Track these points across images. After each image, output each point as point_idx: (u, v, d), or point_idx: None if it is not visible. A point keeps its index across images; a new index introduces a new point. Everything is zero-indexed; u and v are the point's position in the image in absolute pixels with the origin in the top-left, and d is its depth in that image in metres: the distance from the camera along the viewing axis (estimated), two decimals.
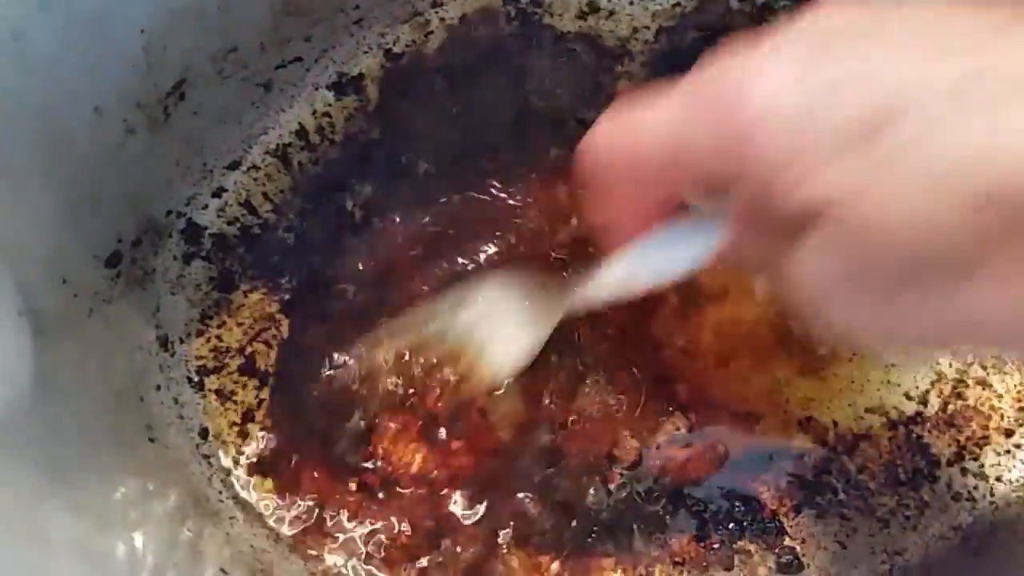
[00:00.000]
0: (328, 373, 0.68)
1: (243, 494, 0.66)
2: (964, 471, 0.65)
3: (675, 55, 0.72)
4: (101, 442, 0.55)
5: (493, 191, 0.70)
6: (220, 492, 0.65)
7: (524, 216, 0.70)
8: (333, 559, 0.65)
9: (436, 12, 0.72)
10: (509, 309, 0.60)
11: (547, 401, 0.67)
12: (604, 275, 0.49)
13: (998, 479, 0.65)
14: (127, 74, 0.56)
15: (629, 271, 0.48)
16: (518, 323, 0.59)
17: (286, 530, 0.65)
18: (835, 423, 0.66)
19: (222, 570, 0.57)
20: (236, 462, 0.67)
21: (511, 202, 0.70)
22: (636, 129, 0.41)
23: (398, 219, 0.70)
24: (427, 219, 0.70)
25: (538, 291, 0.60)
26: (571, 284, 0.55)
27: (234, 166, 0.69)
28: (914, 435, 0.66)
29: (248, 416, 0.67)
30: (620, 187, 0.44)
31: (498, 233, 0.69)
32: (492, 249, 0.69)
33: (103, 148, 0.57)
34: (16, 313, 0.50)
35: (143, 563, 0.50)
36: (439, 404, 0.65)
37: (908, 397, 0.66)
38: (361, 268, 0.70)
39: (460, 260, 0.69)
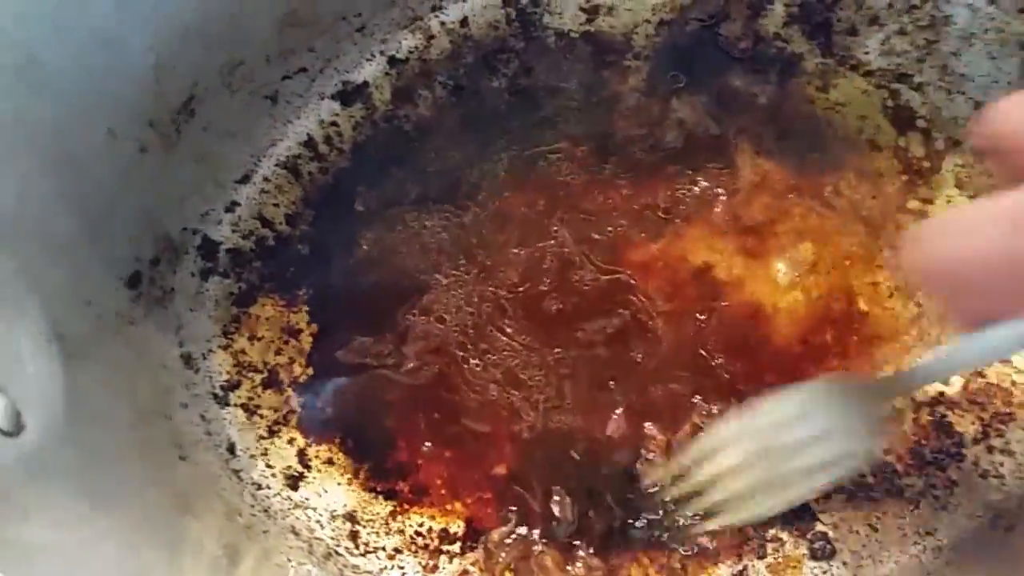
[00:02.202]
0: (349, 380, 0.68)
1: (275, 506, 0.66)
2: (990, 448, 0.65)
3: (677, 48, 0.72)
4: (134, 463, 0.55)
5: (515, 187, 0.70)
6: (252, 506, 0.65)
7: (533, 216, 0.70)
8: (370, 565, 0.65)
9: (436, 16, 0.72)
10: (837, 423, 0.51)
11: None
12: (948, 358, 0.44)
13: None
14: (138, 93, 0.56)
15: (974, 355, 0.43)
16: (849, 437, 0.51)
17: (320, 540, 0.65)
18: None
19: None
20: (266, 475, 0.67)
21: (522, 205, 0.70)
22: None
23: (410, 223, 0.70)
24: (438, 223, 0.70)
25: (852, 395, 0.52)
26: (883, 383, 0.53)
27: (245, 180, 0.69)
28: (938, 415, 0.66)
29: (275, 429, 0.67)
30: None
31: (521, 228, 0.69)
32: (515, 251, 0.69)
33: (117, 169, 0.57)
34: (45, 341, 0.50)
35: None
36: None
37: None
38: (376, 274, 0.70)
39: (477, 259, 0.69)
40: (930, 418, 0.65)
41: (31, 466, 0.44)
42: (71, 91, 0.50)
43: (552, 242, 0.69)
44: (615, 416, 0.67)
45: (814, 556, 0.64)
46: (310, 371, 0.69)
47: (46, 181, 0.50)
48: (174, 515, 0.55)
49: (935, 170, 0.68)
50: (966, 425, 0.65)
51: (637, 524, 0.65)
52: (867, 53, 0.69)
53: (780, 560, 0.64)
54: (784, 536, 0.65)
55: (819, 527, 0.65)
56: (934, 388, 0.66)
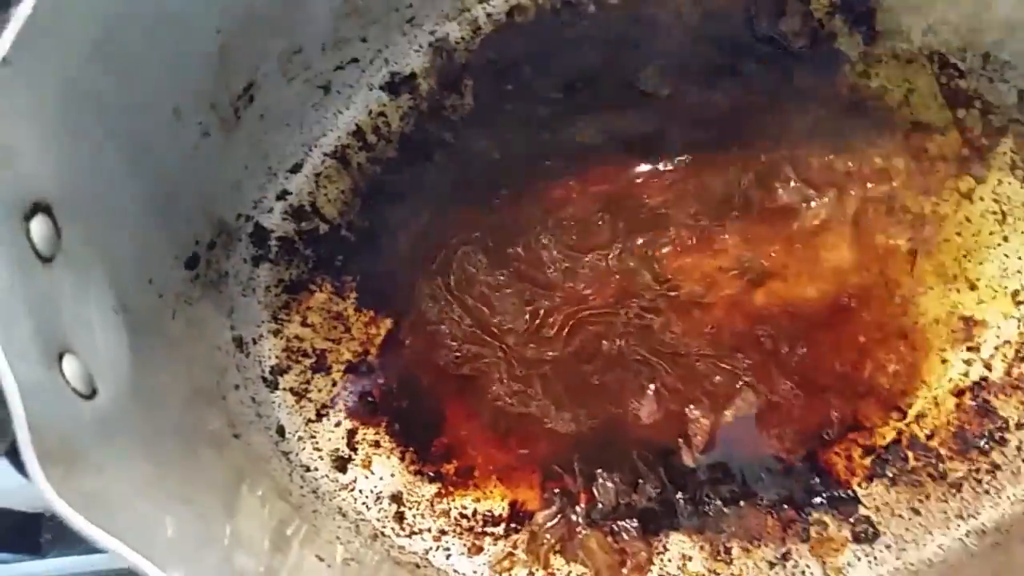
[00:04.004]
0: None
1: (323, 488, 0.67)
2: None
3: (722, 37, 0.72)
4: (194, 438, 0.57)
5: (559, 180, 0.71)
6: (301, 487, 0.66)
7: (579, 206, 0.71)
8: (415, 546, 0.66)
9: (483, 7, 0.73)
10: None
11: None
12: None
13: None
14: (203, 74, 0.57)
15: None
16: None
17: (366, 521, 0.66)
18: (903, 392, 0.67)
19: (317, 556, 0.58)
20: (314, 458, 0.68)
21: (577, 191, 0.71)
22: None
23: (455, 213, 0.72)
24: (483, 213, 0.71)
25: None
26: None
27: (296, 169, 0.71)
28: (981, 399, 0.66)
29: (323, 413, 0.68)
30: None
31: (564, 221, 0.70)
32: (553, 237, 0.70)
33: (181, 151, 0.58)
34: (112, 311, 0.51)
35: (243, 547, 0.51)
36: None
37: (972, 363, 0.67)
38: (422, 263, 0.71)
39: (520, 249, 0.70)
40: (972, 403, 0.66)
41: (104, 428, 0.45)
42: (141, 69, 0.51)
43: (598, 229, 0.70)
44: (655, 399, 0.67)
45: (857, 539, 0.65)
46: (358, 356, 0.70)
47: (116, 157, 0.52)
48: (232, 487, 0.56)
49: (991, 148, 0.68)
50: (1010, 410, 0.66)
51: (680, 506, 0.66)
52: (910, 41, 0.69)
53: (823, 543, 0.65)
54: (828, 520, 0.65)
55: (862, 511, 0.65)
56: (977, 372, 0.66)
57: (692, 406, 0.67)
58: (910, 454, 0.66)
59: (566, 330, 0.69)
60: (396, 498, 0.67)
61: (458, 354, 0.69)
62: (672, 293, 0.69)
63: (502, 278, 0.71)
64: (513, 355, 0.69)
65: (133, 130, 0.53)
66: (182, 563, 0.42)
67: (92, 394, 0.45)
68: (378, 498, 0.67)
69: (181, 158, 0.59)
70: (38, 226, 0.44)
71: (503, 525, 0.67)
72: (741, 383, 0.67)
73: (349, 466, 0.68)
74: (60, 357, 0.44)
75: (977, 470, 0.65)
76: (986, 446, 0.65)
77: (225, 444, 0.61)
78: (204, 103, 0.59)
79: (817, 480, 0.66)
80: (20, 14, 0.41)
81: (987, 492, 0.65)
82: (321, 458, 0.68)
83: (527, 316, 0.70)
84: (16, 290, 0.42)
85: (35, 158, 0.44)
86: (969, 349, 0.67)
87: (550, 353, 0.69)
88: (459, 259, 0.71)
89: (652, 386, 0.68)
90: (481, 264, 0.70)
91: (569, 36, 0.73)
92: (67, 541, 0.72)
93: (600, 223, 0.71)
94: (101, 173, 0.51)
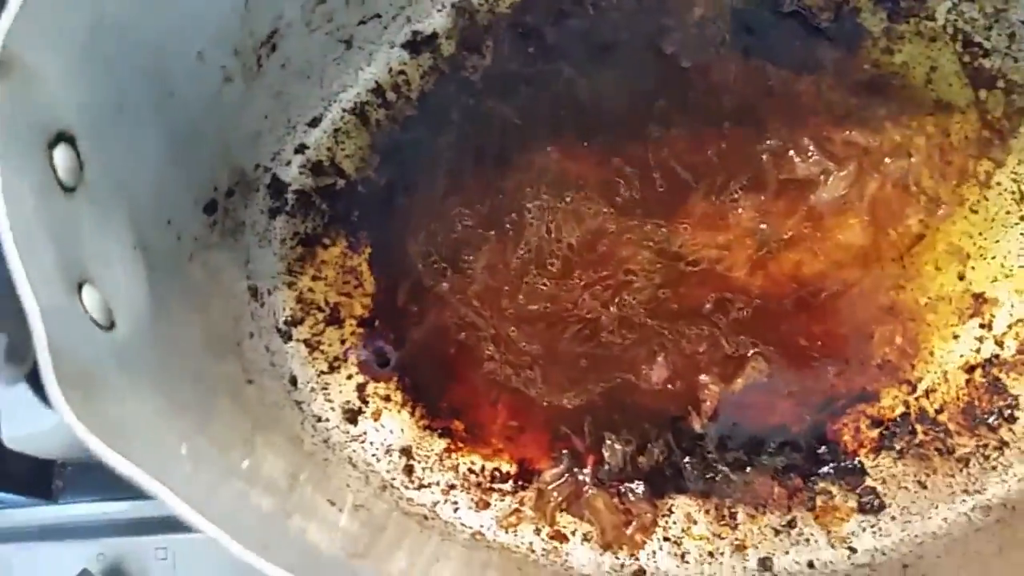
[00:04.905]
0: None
1: (333, 438, 0.67)
2: None
3: (748, 12, 0.72)
4: (208, 378, 0.57)
5: (576, 145, 0.71)
6: (312, 436, 0.66)
7: (593, 173, 0.71)
8: (423, 498, 0.66)
9: None
10: None
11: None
12: None
13: None
14: (228, 18, 0.57)
15: None
16: None
17: (376, 472, 0.67)
18: (912, 366, 0.67)
19: (329, 501, 0.58)
20: (325, 409, 0.68)
21: (592, 156, 0.71)
22: None
23: (472, 174, 0.72)
24: (500, 175, 0.71)
25: None
26: None
27: (315, 123, 0.71)
28: (991, 376, 0.66)
29: (335, 365, 0.69)
30: None
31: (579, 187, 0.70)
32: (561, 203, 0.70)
33: (203, 94, 0.58)
34: (131, 247, 0.51)
35: (260, 484, 0.52)
36: None
37: (984, 340, 0.67)
38: (437, 221, 0.71)
39: (533, 214, 0.71)
40: (983, 379, 0.66)
41: (122, 360, 0.46)
42: (168, 7, 0.51)
43: (613, 196, 0.70)
44: (665, 365, 0.67)
45: (863, 510, 0.65)
46: (371, 311, 0.70)
47: (140, 95, 0.52)
48: (246, 430, 0.57)
49: (1012, 131, 0.68)
50: (1020, 388, 0.66)
51: (687, 470, 0.66)
52: (935, 19, 0.69)
53: (829, 512, 0.65)
54: (834, 489, 0.65)
55: (868, 482, 0.65)
56: (988, 350, 0.66)
57: (703, 374, 0.67)
58: (918, 428, 0.66)
59: (579, 297, 0.69)
60: (405, 451, 0.68)
61: (471, 310, 0.69)
62: (684, 263, 0.69)
63: (511, 244, 0.70)
64: (526, 315, 0.69)
65: (158, 69, 0.53)
66: (199, 493, 0.42)
67: (111, 326, 0.46)
68: (388, 451, 0.68)
69: (203, 102, 0.59)
70: (61, 155, 0.45)
71: (511, 482, 0.67)
72: (752, 351, 0.67)
73: (360, 418, 0.68)
74: (80, 287, 0.44)
75: (985, 446, 0.65)
76: (995, 423, 0.66)
77: (240, 390, 0.61)
78: (228, 48, 0.59)
79: (824, 450, 0.66)
80: None
81: (994, 468, 0.65)
82: (333, 409, 0.68)
83: (536, 283, 0.69)
84: (40, 216, 0.42)
85: (60, 86, 0.45)
86: (981, 326, 0.67)
87: (559, 321, 0.69)
88: (468, 224, 0.71)
89: (663, 353, 0.68)
90: (489, 232, 0.70)
91: (594, 2, 0.73)
92: (78, 488, 0.73)
93: (616, 191, 0.71)
94: (125, 109, 0.51)
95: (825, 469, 0.66)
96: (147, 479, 0.39)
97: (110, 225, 0.49)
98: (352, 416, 0.68)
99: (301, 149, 0.71)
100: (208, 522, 0.37)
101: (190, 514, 0.37)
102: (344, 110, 0.72)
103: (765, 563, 0.64)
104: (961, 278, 0.68)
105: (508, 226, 0.71)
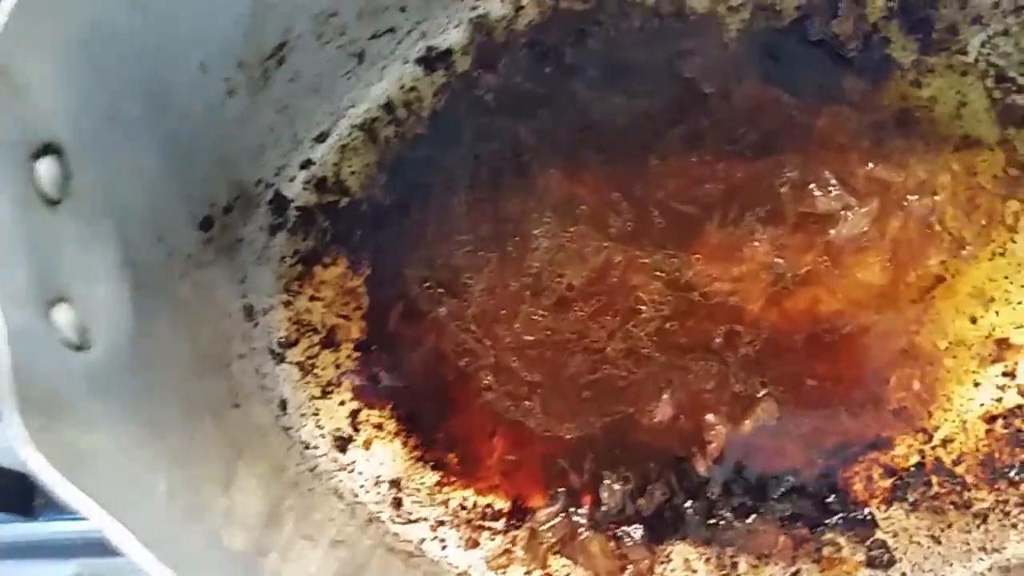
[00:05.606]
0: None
1: (321, 467, 0.65)
2: None
3: (769, 38, 0.70)
4: (190, 402, 0.55)
5: (590, 170, 0.69)
6: (298, 465, 0.64)
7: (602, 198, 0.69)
8: (411, 534, 0.64)
9: None
10: None
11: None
12: None
13: None
14: (234, 29, 0.56)
15: None
16: None
17: (362, 504, 0.65)
18: (929, 413, 0.64)
19: (306, 537, 0.56)
20: (315, 435, 0.66)
21: (603, 181, 0.69)
22: None
23: (480, 197, 0.70)
24: (507, 198, 0.69)
25: None
26: None
27: (322, 138, 0.69)
28: (1013, 427, 0.63)
29: (328, 390, 0.67)
30: None
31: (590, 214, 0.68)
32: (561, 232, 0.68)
33: (204, 107, 0.57)
34: (117, 265, 0.50)
35: (236, 521, 0.50)
36: None
37: (1006, 389, 0.64)
38: (442, 245, 0.69)
39: (550, 238, 0.68)
40: (1005, 430, 0.63)
41: (95, 382, 0.44)
42: (170, 16, 0.50)
43: (625, 224, 0.68)
44: (671, 402, 0.65)
45: (871, 564, 0.62)
46: (368, 335, 0.68)
47: (135, 105, 0.50)
48: (227, 458, 0.55)
49: None
50: None
51: (688, 515, 0.63)
52: (967, 52, 0.67)
53: (835, 565, 0.62)
54: (842, 541, 0.63)
55: (879, 535, 0.63)
56: (1011, 399, 0.64)
57: (710, 413, 0.65)
58: (934, 479, 0.63)
59: (584, 326, 0.67)
60: (395, 483, 0.65)
61: (460, 347, 0.67)
62: (695, 295, 0.67)
63: (516, 270, 0.68)
64: (521, 348, 0.67)
65: (156, 80, 0.52)
66: (163, 533, 0.40)
67: (85, 346, 0.44)
68: (377, 481, 0.65)
69: (203, 115, 0.57)
70: (46, 167, 0.43)
71: (503, 520, 0.65)
72: (763, 392, 0.65)
73: (350, 447, 0.66)
74: (55, 304, 0.42)
75: (1005, 502, 0.62)
76: (1016, 477, 0.63)
77: (224, 414, 0.60)
78: (232, 60, 0.57)
79: (833, 498, 0.63)
80: None
81: (1014, 526, 0.62)
82: (322, 436, 0.66)
83: (539, 310, 0.67)
84: (15, 230, 0.41)
85: (50, 96, 0.43)
86: (1004, 374, 0.64)
87: (562, 349, 0.66)
88: (470, 248, 0.69)
89: (669, 389, 0.66)
90: (494, 256, 0.68)
91: (614, 24, 0.71)
92: (60, 506, 0.71)
93: (626, 218, 0.69)
94: (118, 120, 0.50)
95: (833, 519, 0.63)
96: (100, 513, 0.37)
97: (96, 241, 0.48)
98: (342, 444, 0.66)
99: (306, 164, 0.69)
100: (160, 564, 0.35)
101: (139, 553, 0.35)
102: (353, 126, 0.70)
103: None
104: (983, 322, 0.65)
105: (511, 248, 0.68)
